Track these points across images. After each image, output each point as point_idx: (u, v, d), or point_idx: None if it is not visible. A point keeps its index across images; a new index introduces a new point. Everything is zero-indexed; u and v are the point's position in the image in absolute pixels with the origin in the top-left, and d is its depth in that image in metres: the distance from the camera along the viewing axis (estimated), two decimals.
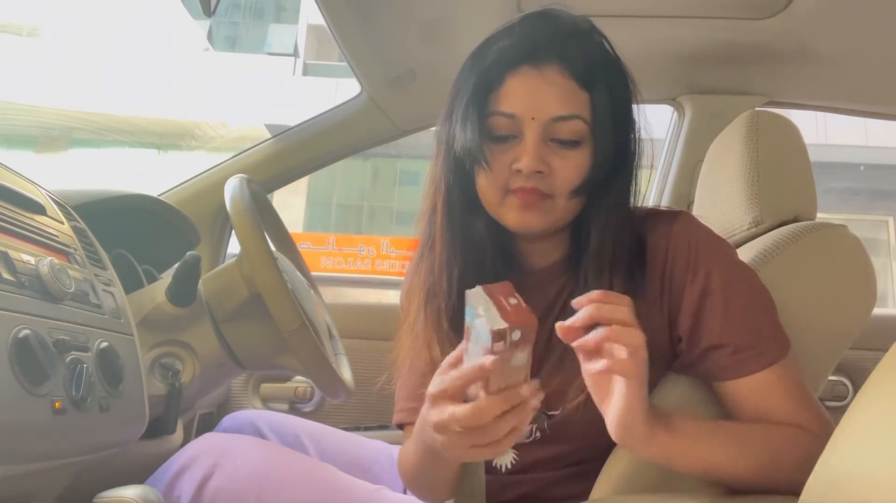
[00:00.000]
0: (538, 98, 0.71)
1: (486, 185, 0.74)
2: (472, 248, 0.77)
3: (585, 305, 0.61)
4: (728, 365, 0.72)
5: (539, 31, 0.73)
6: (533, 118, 0.71)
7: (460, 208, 0.77)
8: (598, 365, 0.60)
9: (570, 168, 0.72)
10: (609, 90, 0.73)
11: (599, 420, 0.67)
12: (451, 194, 0.77)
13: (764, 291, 0.76)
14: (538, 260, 0.81)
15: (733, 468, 0.68)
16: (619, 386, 0.63)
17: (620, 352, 0.59)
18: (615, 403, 0.63)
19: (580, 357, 0.63)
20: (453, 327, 0.77)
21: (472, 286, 0.72)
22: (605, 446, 0.77)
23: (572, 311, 0.70)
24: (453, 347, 0.76)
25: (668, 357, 0.77)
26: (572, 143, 0.72)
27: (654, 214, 0.80)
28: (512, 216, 0.74)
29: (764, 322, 0.73)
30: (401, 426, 0.91)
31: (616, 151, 0.73)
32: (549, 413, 0.79)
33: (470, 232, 0.77)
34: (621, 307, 0.61)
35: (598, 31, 0.77)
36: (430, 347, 0.80)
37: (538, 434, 0.80)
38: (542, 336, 0.80)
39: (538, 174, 0.71)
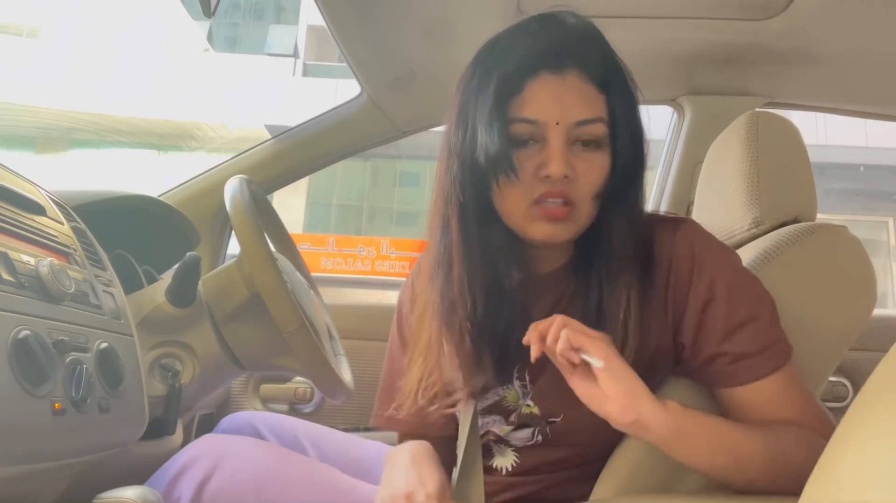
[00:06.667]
0: (561, 103, 0.71)
1: (511, 195, 0.73)
2: (490, 260, 0.76)
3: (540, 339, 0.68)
4: (730, 372, 0.73)
5: (556, 36, 0.73)
6: (557, 123, 0.71)
7: (476, 221, 0.75)
8: (575, 359, 0.67)
9: (594, 171, 0.72)
10: (622, 90, 0.74)
11: (601, 425, 0.67)
12: (465, 207, 0.75)
13: (767, 298, 0.75)
14: (544, 264, 0.81)
15: (748, 461, 0.68)
16: (605, 378, 0.65)
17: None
18: (613, 394, 0.65)
19: (568, 379, 0.69)
20: (475, 343, 0.76)
21: (492, 298, 0.75)
22: (606, 450, 0.78)
23: (576, 314, 0.71)
24: (473, 366, 0.76)
25: (671, 362, 0.77)
26: (595, 145, 0.72)
27: (658, 220, 0.79)
28: (538, 229, 0.73)
29: (766, 330, 0.73)
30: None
31: (633, 151, 0.74)
32: (550, 420, 0.79)
33: (487, 244, 0.76)
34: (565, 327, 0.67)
35: (598, 30, 0.77)
36: (443, 364, 0.79)
37: (539, 438, 0.80)
38: None
39: (565, 178, 0.71)
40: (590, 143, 0.72)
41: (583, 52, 0.73)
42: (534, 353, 0.68)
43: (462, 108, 0.75)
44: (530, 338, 0.69)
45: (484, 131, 0.72)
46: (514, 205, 0.73)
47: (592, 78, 0.72)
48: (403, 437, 0.91)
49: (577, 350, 0.66)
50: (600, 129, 0.72)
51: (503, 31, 0.77)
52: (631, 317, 0.73)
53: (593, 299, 0.75)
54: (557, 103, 0.71)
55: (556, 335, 0.67)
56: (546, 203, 0.72)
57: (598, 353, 0.65)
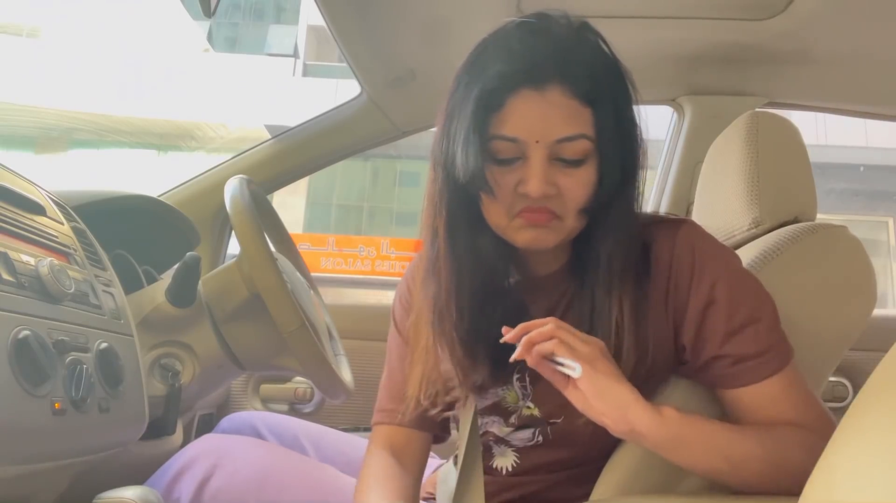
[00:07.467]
0: (541, 121, 0.69)
1: (491, 209, 0.73)
2: (478, 268, 0.75)
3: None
4: (731, 374, 0.72)
5: (538, 50, 0.70)
6: (537, 141, 0.69)
7: (463, 230, 0.75)
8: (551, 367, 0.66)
9: (578, 186, 0.71)
10: (612, 101, 0.71)
11: (601, 427, 0.67)
12: (452, 218, 0.75)
13: (767, 300, 0.75)
14: (540, 267, 0.81)
15: (745, 465, 0.68)
16: (589, 393, 0.65)
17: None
18: (601, 409, 0.65)
19: (562, 390, 0.68)
20: (466, 349, 0.76)
21: (480, 305, 0.74)
22: (607, 451, 0.78)
23: (573, 318, 0.71)
24: (468, 369, 0.76)
25: (672, 363, 0.77)
26: (577, 162, 0.71)
27: (658, 222, 0.79)
28: (521, 236, 0.73)
29: (767, 332, 0.73)
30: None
31: (621, 163, 0.72)
32: (551, 421, 0.79)
33: (475, 252, 0.75)
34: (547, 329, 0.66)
35: (593, 30, 0.74)
36: (441, 365, 0.79)
37: (540, 438, 0.80)
38: None
39: (546, 197, 0.70)
40: (572, 160, 0.70)
41: (567, 65, 0.69)
42: (516, 354, 0.66)
43: (447, 120, 0.74)
44: (513, 336, 0.67)
45: (462, 147, 0.70)
46: (497, 218, 0.73)
47: (576, 92, 0.69)
48: (382, 436, 0.89)
49: (552, 357, 0.65)
50: (583, 146, 0.70)
51: (490, 35, 0.75)
52: (625, 328, 0.72)
53: (586, 309, 0.74)
54: (538, 121, 0.69)
55: (536, 338, 0.66)
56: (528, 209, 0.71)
57: (578, 362, 0.64)
